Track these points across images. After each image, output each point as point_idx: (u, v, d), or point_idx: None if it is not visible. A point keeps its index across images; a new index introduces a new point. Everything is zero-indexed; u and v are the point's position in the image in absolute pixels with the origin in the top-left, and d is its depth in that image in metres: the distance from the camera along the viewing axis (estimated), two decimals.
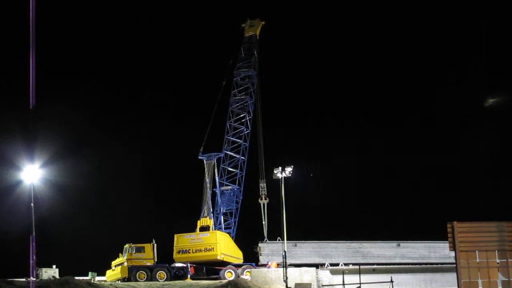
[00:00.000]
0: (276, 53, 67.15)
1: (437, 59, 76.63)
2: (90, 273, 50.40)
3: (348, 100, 75.95)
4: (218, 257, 49.07)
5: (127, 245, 50.03)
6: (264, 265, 50.01)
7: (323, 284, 46.41)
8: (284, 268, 43.30)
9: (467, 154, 68.80)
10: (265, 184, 54.47)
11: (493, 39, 68.71)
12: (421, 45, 77.89)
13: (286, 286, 42.24)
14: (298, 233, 52.95)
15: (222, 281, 45.33)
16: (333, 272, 47.76)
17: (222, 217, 54.74)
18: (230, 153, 56.27)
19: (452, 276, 30.41)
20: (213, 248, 49.18)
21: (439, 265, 50.12)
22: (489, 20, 68.64)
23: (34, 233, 27.94)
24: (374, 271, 47.94)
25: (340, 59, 75.99)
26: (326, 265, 49.98)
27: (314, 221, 64.26)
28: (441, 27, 76.24)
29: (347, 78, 76.38)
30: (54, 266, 49.62)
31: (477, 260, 27.68)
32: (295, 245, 51.83)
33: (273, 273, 45.27)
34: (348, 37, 77.22)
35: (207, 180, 54.06)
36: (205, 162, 54.55)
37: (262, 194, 54.56)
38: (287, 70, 72.82)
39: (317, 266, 48.72)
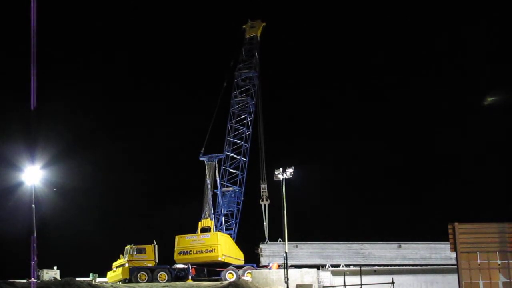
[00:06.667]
0: (277, 54, 67.30)
1: (437, 58, 76.95)
2: (91, 274, 50.48)
3: (349, 100, 76.12)
4: (219, 258, 49.05)
5: (128, 246, 50.05)
6: (265, 266, 49.98)
7: (324, 285, 46.38)
8: (285, 269, 43.28)
9: (468, 154, 68.95)
10: (266, 185, 54.44)
11: (493, 37, 68.96)
12: (421, 43, 78.20)
13: (287, 287, 42.22)
14: (299, 234, 53.04)
15: (223, 282, 45.28)
16: (334, 273, 47.72)
17: (223, 218, 54.73)
18: (231, 154, 56.27)
19: (453, 277, 30.38)
20: (214, 249, 49.16)
21: (440, 266, 50.08)
22: (488, 18, 68.99)
23: (35, 234, 27.95)
24: (375, 272, 47.89)
25: (341, 60, 76.24)
26: (327, 266, 49.95)
27: (315, 222, 64.30)
28: (440, 26, 76.54)
29: (348, 79, 76.56)
30: (55, 267, 49.66)
31: (478, 261, 27.69)
32: (296, 246, 51.84)
33: (274, 274, 45.24)
34: (349, 38, 77.45)
35: (208, 181, 54.05)
36: (206, 163, 54.54)
37: (263, 195, 54.51)
38: (288, 71, 72.99)
39: (318, 267, 48.70)
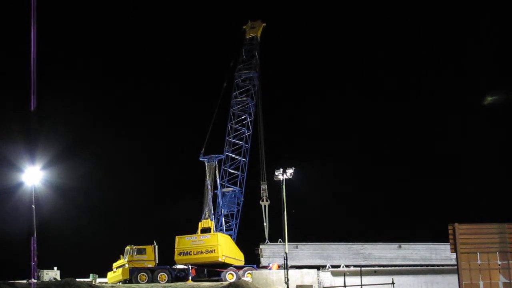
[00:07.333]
0: (277, 55, 67.32)
1: (437, 58, 76.98)
2: (91, 275, 50.49)
3: (349, 100, 76.11)
4: (219, 259, 49.04)
5: (128, 247, 50.06)
6: (265, 267, 50.01)
7: (324, 285, 46.41)
8: (286, 270, 43.28)
9: (468, 155, 68.91)
10: (266, 186, 54.40)
11: (493, 35, 68.96)
12: (421, 43, 78.24)
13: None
14: (299, 235, 53.00)
15: (223, 283, 45.31)
16: (334, 274, 47.72)
17: (223, 218, 54.73)
18: (231, 155, 56.26)
19: (454, 278, 30.29)
20: (214, 250, 49.16)
21: (440, 267, 50.04)
22: (490, 17, 69.02)
23: (35, 235, 27.91)
24: (375, 273, 47.88)
25: (341, 60, 76.26)
26: (327, 267, 49.92)
27: (315, 223, 64.28)
28: (440, 26, 76.58)
29: (348, 79, 76.58)
30: (55, 268, 49.70)
31: (478, 261, 27.64)
32: (296, 247, 51.80)
33: (274, 275, 45.29)
34: (349, 38, 77.49)
35: (208, 182, 54.05)
36: (206, 164, 54.52)
37: (263, 196, 54.49)
38: (288, 72, 73.00)
39: (318, 268, 48.69)
